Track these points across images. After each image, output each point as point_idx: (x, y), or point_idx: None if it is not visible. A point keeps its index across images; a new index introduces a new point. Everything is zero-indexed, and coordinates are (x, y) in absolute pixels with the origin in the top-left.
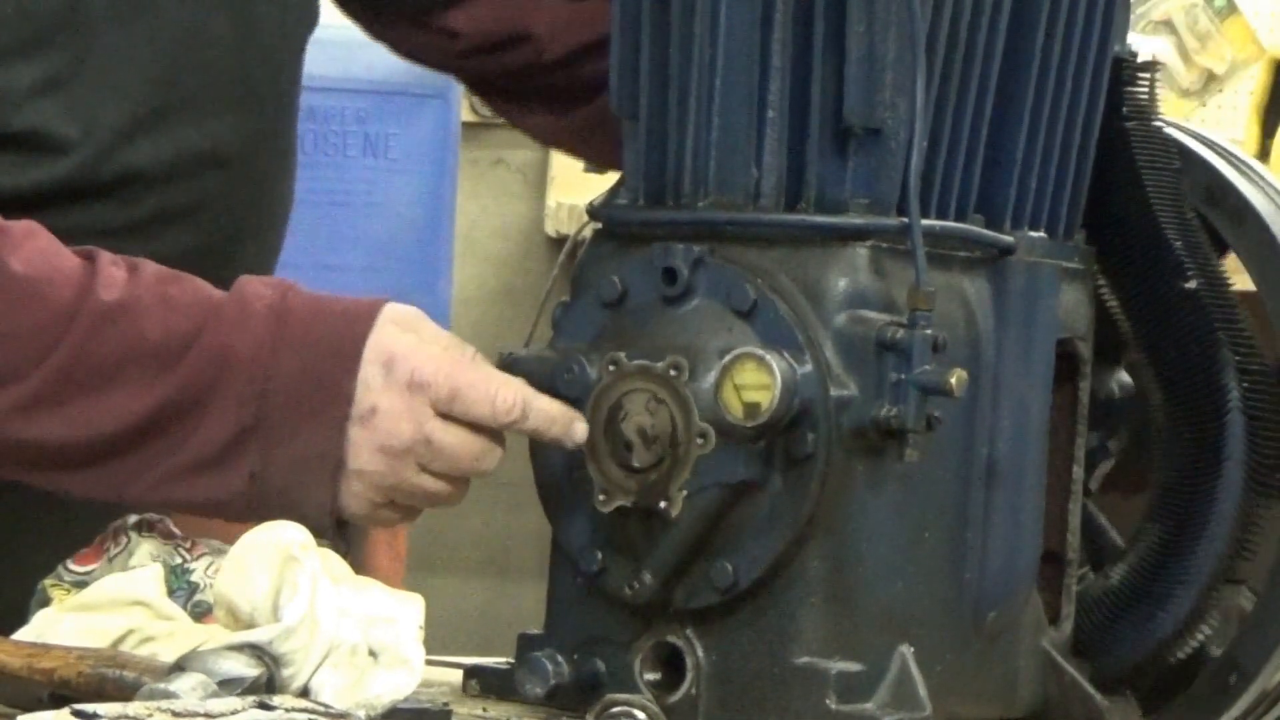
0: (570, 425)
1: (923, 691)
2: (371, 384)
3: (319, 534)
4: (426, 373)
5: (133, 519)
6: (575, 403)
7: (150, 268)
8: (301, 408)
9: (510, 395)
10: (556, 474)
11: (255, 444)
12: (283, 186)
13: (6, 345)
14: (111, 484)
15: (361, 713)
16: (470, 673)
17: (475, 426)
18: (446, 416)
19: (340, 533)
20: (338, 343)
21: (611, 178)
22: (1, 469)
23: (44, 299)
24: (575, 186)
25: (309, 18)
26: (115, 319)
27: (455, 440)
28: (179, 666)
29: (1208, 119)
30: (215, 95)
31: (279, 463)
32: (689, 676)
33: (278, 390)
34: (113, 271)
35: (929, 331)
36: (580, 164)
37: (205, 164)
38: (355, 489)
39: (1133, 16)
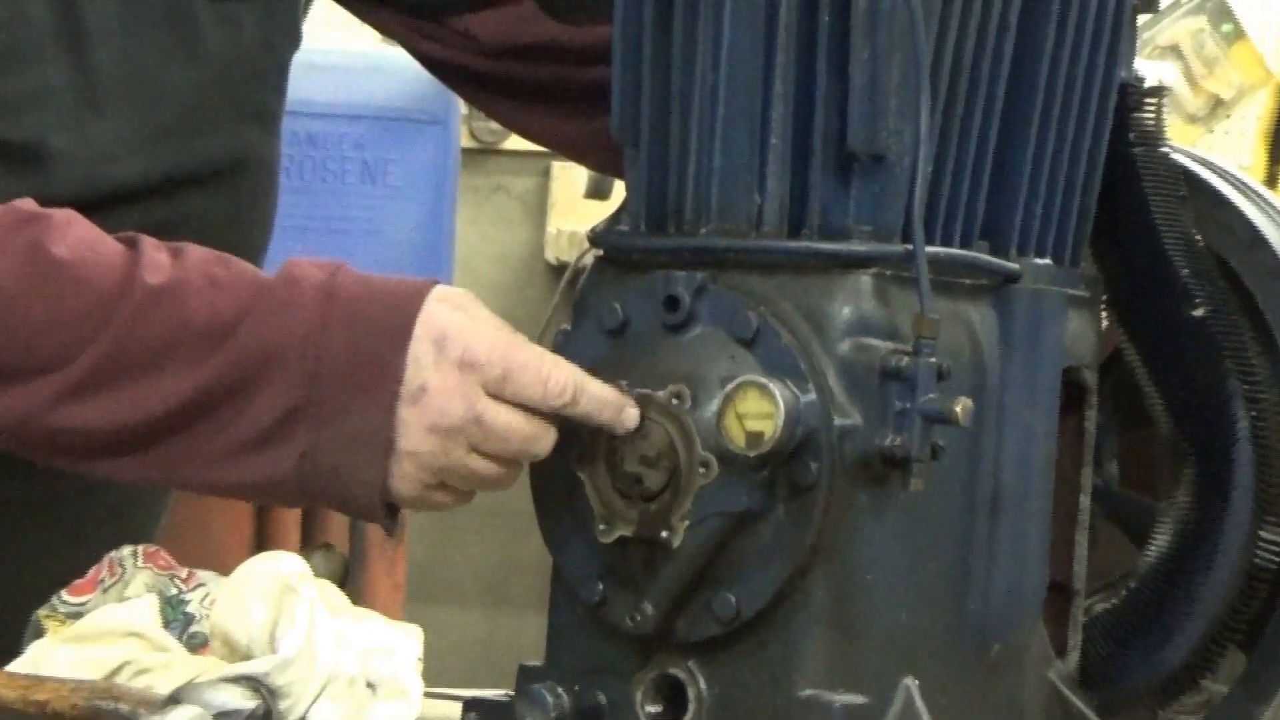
0: (621, 411)
1: None
2: (422, 362)
3: (368, 517)
4: (479, 351)
5: (127, 549)
6: (574, 432)
7: (195, 251)
8: (351, 386)
9: (563, 377)
10: (557, 503)
11: (305, 423)
12: (264, 206)
13: (52, 331)
14: (162, 468)
15: None
16: (469, 705)
17: (526, 408)
18: (497, 397)
19: (391, 518)
20: (387, 320)
21: (613, 204)
22: (52, 458)
23: (89, 284)
24: (575, 213)
25: (293, 37)
26: (161, 302)
27: (507, 421)
28: (174, 699)
29: (1215, 145)
30: (205, 113)
31: (329, 442)
32: (691, 709)
33: (327, 369)
34: (156, 256)
35: (934, 360)
36: (580, 191)
37: (190, 182)
38: (406, 470)
39: (1139, 41)
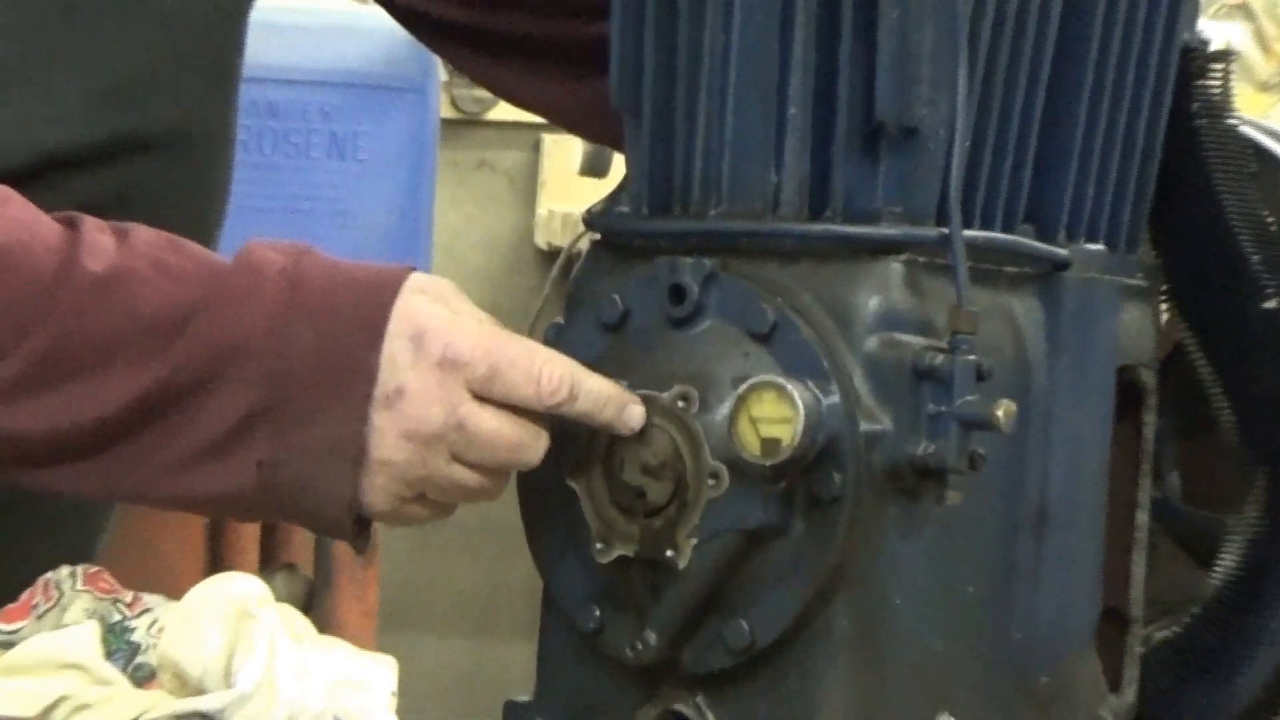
0: (624, 408)
1: None
2: (398, 360)
3: (336, 534)
4: (462, 349)
5: (65, 570)
6: (567, 438)
7: (142, 233)
8: (318, 388)
9: (557, 373)
10: (548, 518)
11: (266, 429)
12: (220, 181)
13: None
14: (107, 478)
15: None
16: None
17: (516, 410)
18: (482, 399)
19: (363, 535)
20: (359, 313)
21: (611, 182)
22: None
23: (22, 271)
24: (569, 192)
25: None
26: (104, 291)
27: (493, 426)
28: None
29: None
30: (154, 74)
31: (292, 450)
32: None
33: (291, 368)
34: (99, 238)
35: (972, 357)
36: (575, 167)
37: (137, 151)
38: (379, 481)
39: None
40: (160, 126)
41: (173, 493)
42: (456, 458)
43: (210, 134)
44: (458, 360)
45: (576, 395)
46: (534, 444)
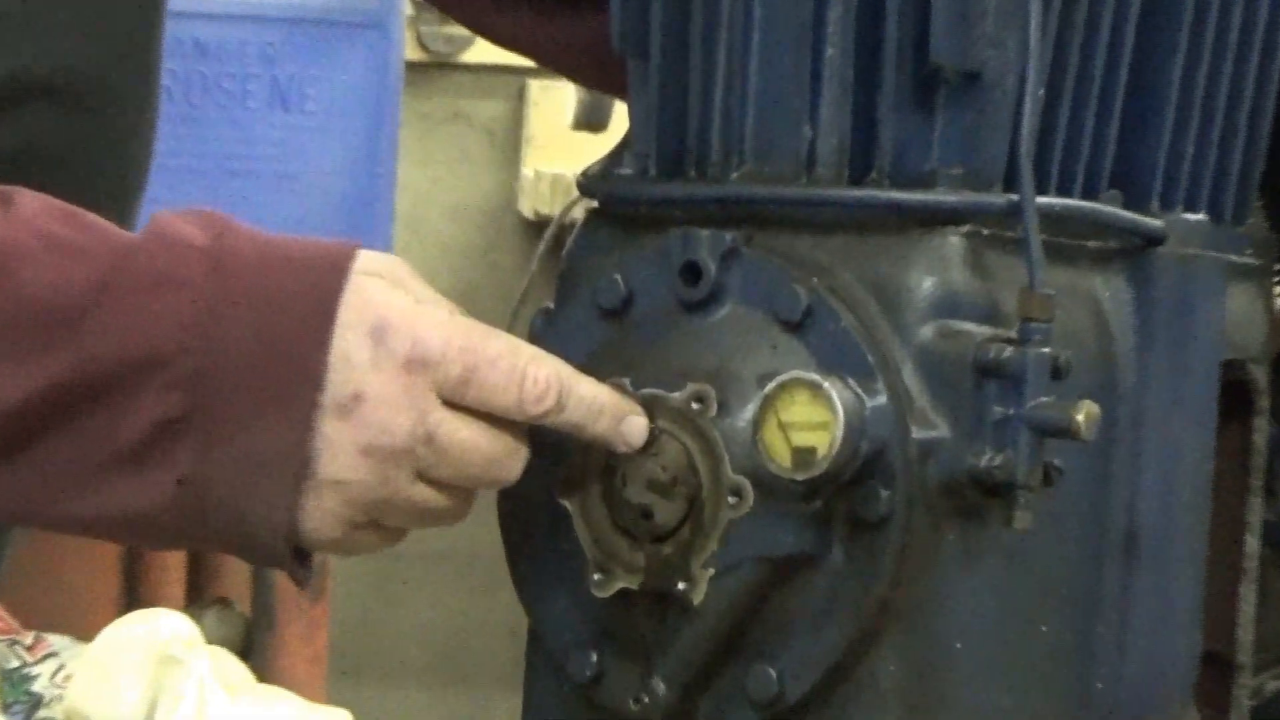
0: (623, 420)
1: None
2: (355, 359)
3: (272, 563)
4: (433, 346)
5: None
6: (559, 447)
7: (30, 201)
8: (252, 392)
9: (544, 376)
10: (535, 544)
11: (187, 441)
12: (140, 132)
13: None
14: None
15: None
16: None
17: (492, 418)
18: (454, 405)
19: (303, 566)
20: (302, 300)
21: (612, 138)
22: None
23: None
24: (560, 150)
25: None
26: None
27: (467, 438)
28: None
29: None
30: (56, 5)
31: (220, 465)
32: None
33: (219, 368)
34: None
35: (1046, 350)
36: (567, 119)
37: (39, 95)
38: (327, 504)
39: None
40: (62, 68)
41: (74, 513)
42: (421, 475)
43: (127, 79)
44: (428, 360)
45: (565, 403)
46: (512, 458)
